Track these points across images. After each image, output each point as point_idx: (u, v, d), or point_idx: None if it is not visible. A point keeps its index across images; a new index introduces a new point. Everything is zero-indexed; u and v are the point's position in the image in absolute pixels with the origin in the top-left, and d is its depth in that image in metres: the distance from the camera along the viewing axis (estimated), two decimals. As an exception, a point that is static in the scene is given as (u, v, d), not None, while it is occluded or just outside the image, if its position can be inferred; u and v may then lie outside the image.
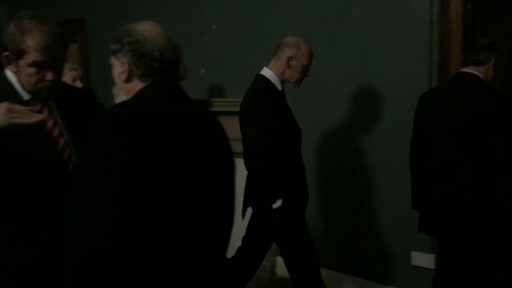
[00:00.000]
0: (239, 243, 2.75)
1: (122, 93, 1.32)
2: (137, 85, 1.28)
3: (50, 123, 1.68)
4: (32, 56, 1.57)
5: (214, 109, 3.58)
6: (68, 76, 3.38)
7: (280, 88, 2.52)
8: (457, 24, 2.78)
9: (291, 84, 2.56)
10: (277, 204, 2.37)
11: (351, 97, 3.19)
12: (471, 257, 2.39)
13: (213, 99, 3.72)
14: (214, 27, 3.85)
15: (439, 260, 2.85)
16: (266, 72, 2.50)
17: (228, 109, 3.53)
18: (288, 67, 2.47)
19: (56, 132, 1.68)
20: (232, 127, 3.59)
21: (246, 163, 2.45)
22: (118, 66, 1.30)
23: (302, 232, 2.52)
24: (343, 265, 3.33)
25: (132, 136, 1.11)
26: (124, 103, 1.25)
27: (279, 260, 3.65)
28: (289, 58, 2.46)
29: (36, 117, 1.48)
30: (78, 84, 3.40)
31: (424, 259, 2.94)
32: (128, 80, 1.29)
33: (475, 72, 2.33)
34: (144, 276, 1.11)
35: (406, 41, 2.92)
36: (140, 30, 1.28)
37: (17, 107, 1.47)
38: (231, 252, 2.66)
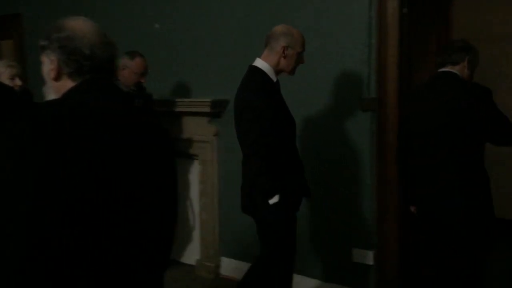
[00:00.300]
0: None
1: (52, 92, 1.25)
2: (67, 84, 1.20)
3: None
4: None
5: (177, 109, 3.59)
6: (6, 74, 3.22)
7: (275, 80, 2.46)
8: (393, 28, 2.87)
9: (286, 73, 2.50)
10: (274, 200, 2.31)
11: (293, 99, 3.23)
12: (463, 255, 2.48)
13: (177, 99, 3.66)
14: (156, 25, 3.80)
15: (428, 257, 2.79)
16: (260, 63, 2.43)
17: (185, 110, 3.55)
18: (284, 57, 2.42)
19: None
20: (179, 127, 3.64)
21: (245, 158, 2.41)
22: (47, 64, 1.22)
23: (291, 233, 2.48)
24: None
25: (50, 147, 1.01)
26: (43, 107, 1.14)
27: (224, 261, 3.64)
28: (284, 48, 2.40)
29: None
30: (17, 81, 3.25)
31: (364, 256, 3.02)
32: (57, 78, 1.22)
33: (452, 71, 2.50)
34: None
35: (345, 44, 2.99)
36: (71, 25, 1.21)
37: None
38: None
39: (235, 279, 3.55)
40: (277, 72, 2.46)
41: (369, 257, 3.00)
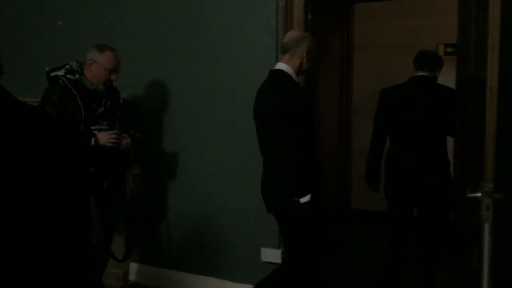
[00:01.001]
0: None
1: None
2: None
3: None
4: None
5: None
6: None
7: (297, 82, 2.57)
8: (299, 33, 2.97)
9: (302, 74, 2.64)
10: (306, 199, 2.35)
11: (202, 101, 3.24)
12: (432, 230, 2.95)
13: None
14: (59, 22, 3.62)
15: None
16: (284, 67, 2.51)
17: None
18: (307, 60, 2.53)
19: None
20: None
21: (272, 160, 2.49)
22: None
23: (317, 232, 2.54)
24: (193, 266, 3.34)
25: None
26: None
27: (133, 267, 3.55)
28: (307, 52, 2.50)
29: None
30: None
31: (272, 255, 3.08)
32: None
33: (430, 75, 2.94)
34: None
35: (254, 48, 3.04)
36: None
37: None
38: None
39: (145, 285, 3.48)
40: (298, 74, 2.57)
41: (277, 256, 3.07)
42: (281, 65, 2.57)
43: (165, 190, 3.41)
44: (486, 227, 1.80)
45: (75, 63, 2.77)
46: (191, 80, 3.25)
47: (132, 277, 3.57)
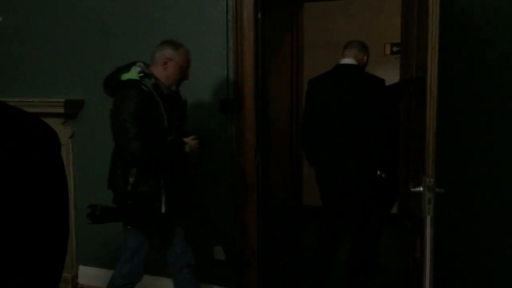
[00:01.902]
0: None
1: None
2: None
3: None
4: None
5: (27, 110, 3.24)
6: None
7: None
8: (249, 32, 2.99)
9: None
10: (385, 174, 2.92)
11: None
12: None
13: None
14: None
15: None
16: (353, 61, 3.04)
17: (36, 110, 3.26)
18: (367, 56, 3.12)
19: None
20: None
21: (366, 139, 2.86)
22: None
23: None
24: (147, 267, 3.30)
25: None
26: None
27: (82, 269, 3.47)
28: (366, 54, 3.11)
29: None
30: None
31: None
32: None
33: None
34: None
35: (205, 47, 3.04)
36: None
37: None
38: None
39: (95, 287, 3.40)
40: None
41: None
42: (350, 60, 3.04)
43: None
44: (428, 220, 1.88)
45: (142, 64, 2.42)
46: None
47: (81, 280, 3.49)
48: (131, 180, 2.33)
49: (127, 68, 2.43)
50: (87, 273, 3.47)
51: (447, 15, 2.41)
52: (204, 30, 3.03)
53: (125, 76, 2.38)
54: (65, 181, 1.12)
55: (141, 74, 2.38)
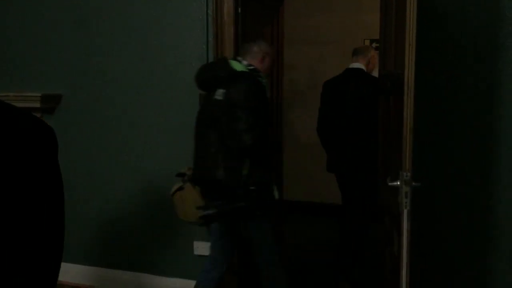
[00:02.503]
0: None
1: None
2: None
3: None
4: None
5: None
6: None
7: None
8: (229, 27, 2.99)
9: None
10: None
11: (131, 94, 3.18)
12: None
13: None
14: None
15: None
16: (360, 65, 3.30)
17: None
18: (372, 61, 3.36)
19: None
20: None
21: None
22: None
23: None
24: (126, 263, 3.29)
25: None
26: None
27: (63, 266, 3.42)
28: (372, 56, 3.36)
29: None
30: None
31: (205, 248, 3.09)
32: None
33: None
34: None
35: (185, 41, 3.03)
36: None
37: None
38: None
39: (77, 284, 3.37)
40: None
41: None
42: (357, 64, 3.33)
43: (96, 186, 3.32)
44: (405, 214, 1.92)
45: (241, 58, 2.53)
46: (120, 74, 3.18)
47: (62, 277, 3.44)
48: (245, 171, 2.32)
49: (222, 63, 2.49)
50: (68, 270, 3.43)
51: (426, 13, 2.45)
52: (184, 24, 3.02)
53: (239, 67, 2.43)
54: (61, 179, 1.15)
55: (251, 67, 2.46)
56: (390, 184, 2.00)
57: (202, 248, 3.09)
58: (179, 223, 3.15)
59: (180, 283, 3.18)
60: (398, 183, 1.93)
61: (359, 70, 3.33)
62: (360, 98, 3.22)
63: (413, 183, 1.92)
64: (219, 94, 2.39)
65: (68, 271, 3.42)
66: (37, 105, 3.21)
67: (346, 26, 4.90)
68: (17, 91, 3.30)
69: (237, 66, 2.44)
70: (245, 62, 2.47)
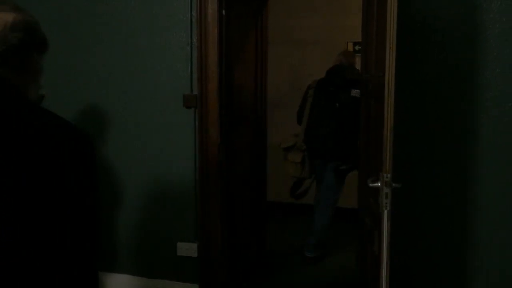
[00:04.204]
0: None
1: None
2: None
3: None
4: None
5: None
6: None
7: None
8: (213, 28, 2.99)
9: None
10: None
11: (112, 96, 3.16)
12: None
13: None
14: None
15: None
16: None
17: None
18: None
19: None
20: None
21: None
22: None
23: None
24: (108, 264, 3.27)
25: None
26: None
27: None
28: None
29: None
30: None
31: (188, 249, 3.10)
32: None
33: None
34: None
35: (169, 43, 3.02)
36: None
37: None
38: None
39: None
40: None
41: (193, 250, 3.09)
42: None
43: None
44: (385, 214, 1.95)
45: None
46: (104, 75, 3.17)
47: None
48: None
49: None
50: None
51: (407, 16, 2.49)
52: (167, 25, 3.01)
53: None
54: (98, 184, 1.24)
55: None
56: (371, 185, 2.03)
57: (185, 249, 3.10)
58: (163, 223, 3.15)
59: (163, 284, 3.18)
60: (379, 184, 1.97)
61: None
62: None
63: (393, 184, 1.95)
64: (356, 92, 3.54)
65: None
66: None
67: (329, 28, 4.94)
68: None
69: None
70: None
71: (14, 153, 1.02)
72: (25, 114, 1.12)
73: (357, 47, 4.71)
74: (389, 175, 1.94)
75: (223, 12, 3.03)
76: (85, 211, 1.13)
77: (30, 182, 1.02)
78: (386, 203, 1.94)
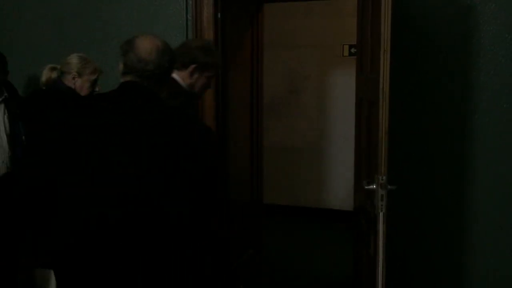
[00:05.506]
0: None
1: None
2: None
3: None
4: None
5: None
6: None
7: None
8: (209, 31, 3.00)
9: None
10: None
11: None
12: None
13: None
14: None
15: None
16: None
17: None
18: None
19: None
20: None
21: None
22: None
23: None
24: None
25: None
26: None
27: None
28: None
29: None
30: None
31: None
32: None
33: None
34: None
35: (164, 45, 3.02)
36: None
37: None
38: None
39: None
40: None
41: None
42: None
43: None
44: (380, 216, 1.95)
45: None
46: (99, 79, 3.16)
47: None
48: None
49: None
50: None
51: (402, 19, 2.50)
52: (162, 30, 3.02)
53: None
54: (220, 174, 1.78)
55: None
56: (366, 187, 2.04)
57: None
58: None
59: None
60: (374, 186, 1.97)
61: None
62: None
63: (389, 186, 1.96)
64: None
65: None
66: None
67: (325, 31, 4.95)
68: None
69: None
70: None
71: (168, 144, 1.47)
72: (173, 115, 1.57)
73: (352, 50, 4.72)
74: (384, 177, 1.95)
75: (219, 15, 3.04)
76: (210, 191, 1.54)
77: (186, 162, 1.45)
78: (381, 205, 1.95)
